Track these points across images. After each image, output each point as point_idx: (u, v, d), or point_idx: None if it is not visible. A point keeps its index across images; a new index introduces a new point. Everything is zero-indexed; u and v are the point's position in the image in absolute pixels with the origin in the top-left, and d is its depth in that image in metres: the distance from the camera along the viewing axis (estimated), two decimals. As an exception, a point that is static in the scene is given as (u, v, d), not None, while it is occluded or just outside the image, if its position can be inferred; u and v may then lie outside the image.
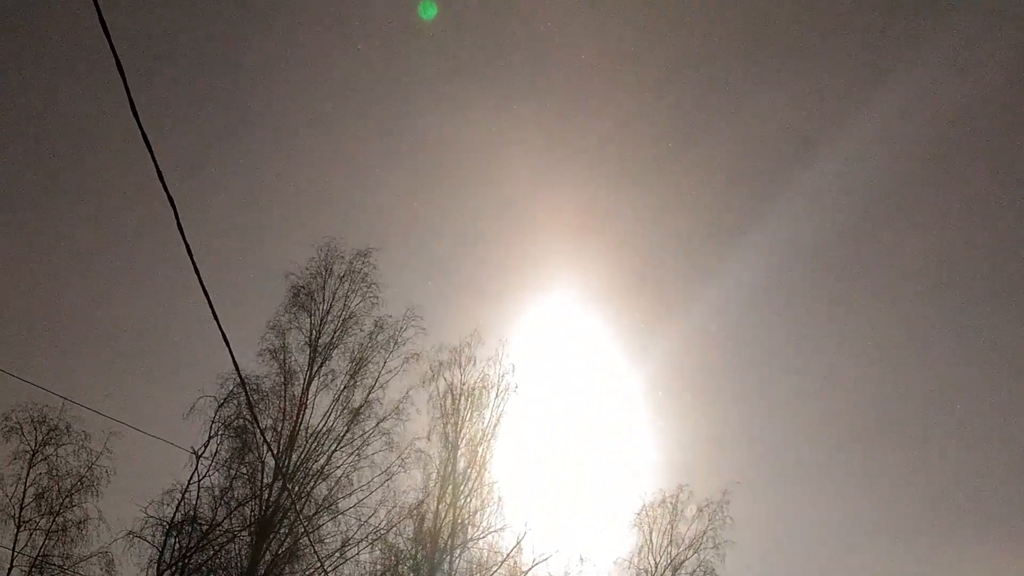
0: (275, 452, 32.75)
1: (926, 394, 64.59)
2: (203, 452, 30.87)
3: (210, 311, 12.16)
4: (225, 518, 31.50)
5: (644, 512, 39.73)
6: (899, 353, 65.84)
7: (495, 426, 36.93)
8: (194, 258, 11.13)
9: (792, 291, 65.62)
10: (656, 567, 38.65)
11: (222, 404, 31.61)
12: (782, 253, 58.79)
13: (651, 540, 39.17)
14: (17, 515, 30.27)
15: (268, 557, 31.86)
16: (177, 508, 30.57)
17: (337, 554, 33.10)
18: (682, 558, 38.84)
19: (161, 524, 30.53)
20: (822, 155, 55.61)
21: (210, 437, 31.18)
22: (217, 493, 31.69)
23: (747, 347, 65.42)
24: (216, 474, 31.82)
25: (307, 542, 32.26)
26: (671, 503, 39.74)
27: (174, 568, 30.26)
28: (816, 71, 59.30)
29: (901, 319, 65.39)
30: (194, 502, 30.97)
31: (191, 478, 30.80)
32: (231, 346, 13.05)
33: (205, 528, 31.12)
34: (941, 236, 63.07)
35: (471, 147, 56.56)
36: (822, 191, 56.67)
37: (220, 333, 12.70)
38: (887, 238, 64.77)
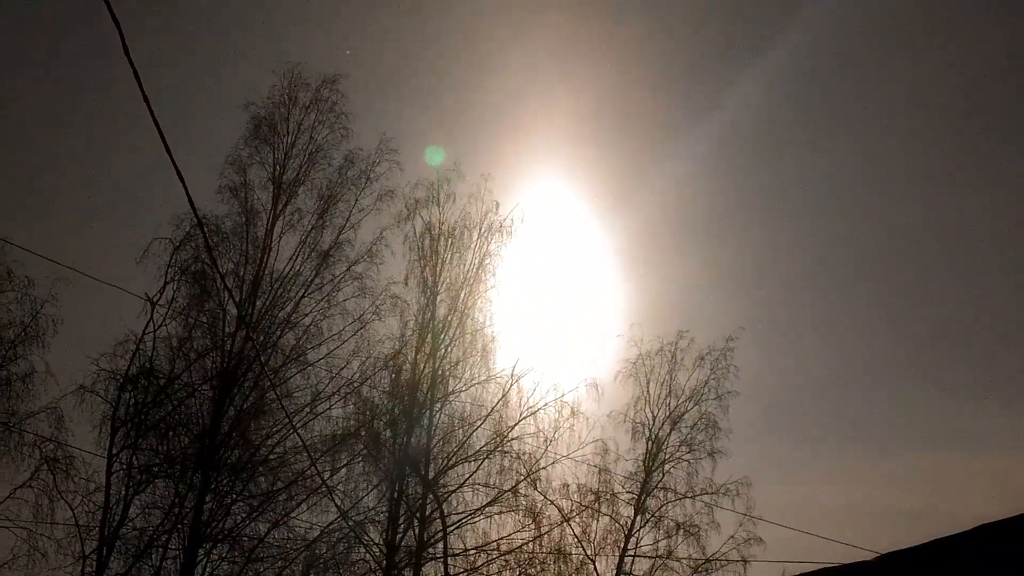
0: (237, 299, 30.22)
1: (937, 226, 62.56)
2: (158, 299, 28.25)
3: (161, 142, 10.80)
4: (184, 371, 29.13)
5: (641, 361, 37.17)
6: (905, 181, 63.58)
7: (478, 269, 34.15)
8: (142, 84, 9.97)
9: (791, 123, 63.26)
10: (654, 420, 36.45)
11: (178, 247, 29.01)
12: (780, 85, 56.03)
13: (648, 391, 36.79)
14: (-44, 369, 27.67)
15: (232, 413, 29.63)
16: (131, 360, 28.12)
17: (307, 409, 30.96)
18: (682, 410, 36.56)
19: (114, 377, 28.13)
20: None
21: (166, 283, 28.60)
22: (175, 344, 29.22)
23: (748, 185, 63.46)
24: (173, 323, 29.42)
25: (274, 396, 29.87)
26: (670, 351, 37.20)
27: (129, 425, 27.97)
28: None
29: (903, 144, 62.99)
30: (150, 353, 28.51)
31: (146, 327, 28.29)
32: (186, 182, 11.73)
33: (162, 382, 28.69)
34: (940, 56, 60.25)
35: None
36: (826, 17, 53.45)
37: (173, 167, 11.28)
38: (884, 62, 62.08)
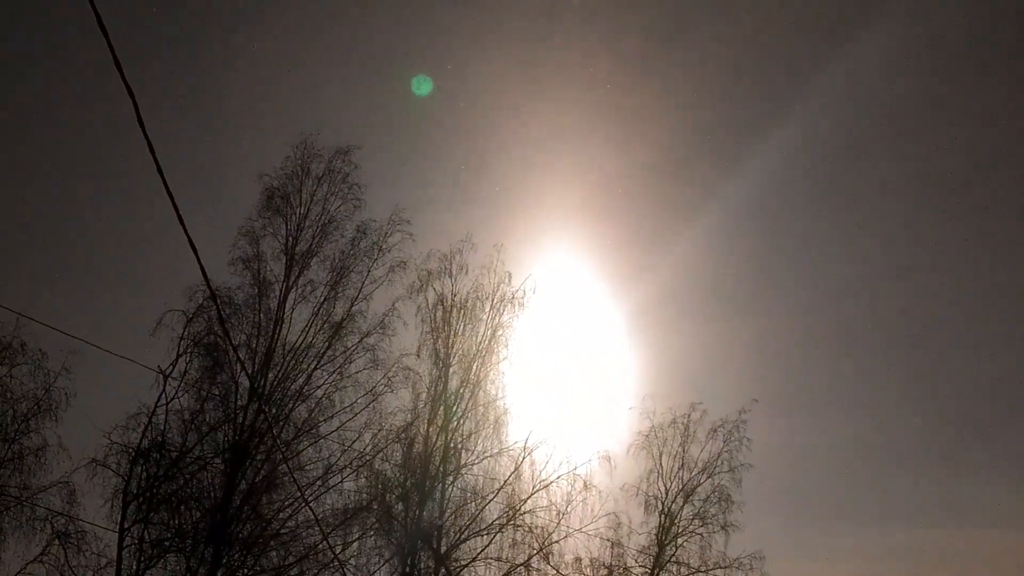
0: (250, 371, 29.99)
1: (958, 307, 62.58)
2: (171, 372, 28.16)
3: (175, 213, 10.36)
4: (196, 444, 28.84)
5: (653, 434, 36.89)
6: (931, 261, 63.58)
7: (490, 340, 33.94)
8: (156, 155, 9.57)
9: (804, 198, 63.24)
10: (667, 493, 36.14)
11: (191, 319, 28.92)
12: (792, 160, 56.09)
13: (661, 464, 36.48)
14: (-32, 442, 27.45)
15: (244, 486, 29.24)
16: (143, 433, 27.92)
17: (319, 482, 30.50)
18: (695, 483, 36.25)
19: (126, 451, 27.91)
20: (848, 51, 52.61)
21: (178, 355, 28.45)
22: (187, 417, 28.96)
23: (763, 255, 63.19)
24: (186, 396, 29.16)
25: (286, 469, 29.55)
26: (682, 423, 36.91)
27: (141, 498, 27.59)
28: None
29: (925, 225, 63.09)
30: (162, 427, 28.26)
31: (158, 400, 28.18)
32: (199, 253, 11.25)
33: (175, 455, 28.35)
34: (949, 134, 60.49)
35: (459, 38, 53.48)
36: (847, 88, 53.66)
37: (187, 238, 10.83)
38: (897, 138, 62.34)
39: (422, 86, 32.23)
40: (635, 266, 50.51)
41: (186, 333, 28.66)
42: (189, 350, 28.73)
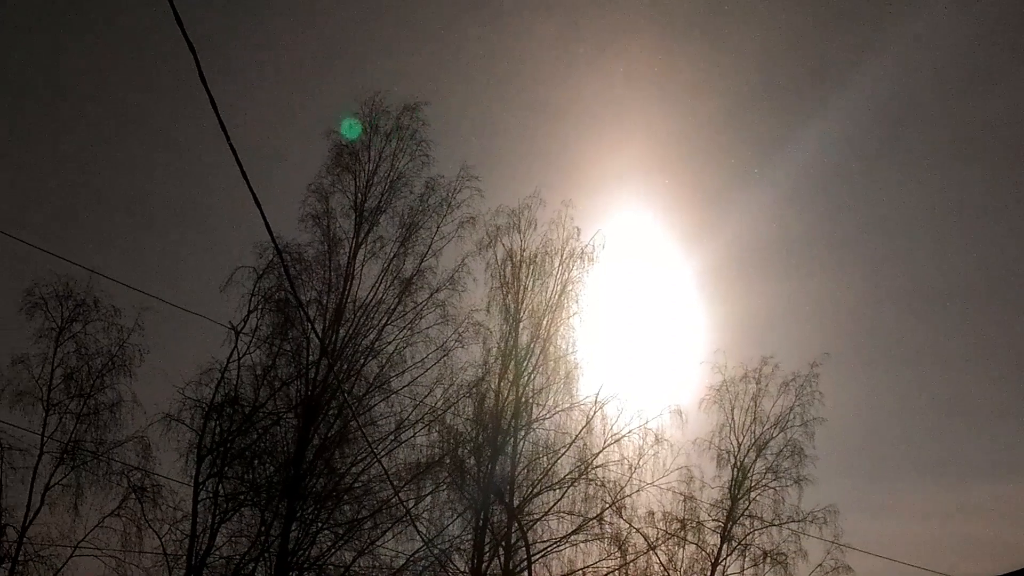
0: (320, 327, 30.18)
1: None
2: (242, 328, 28.27)
3: (240, 172, 10.91)
4: (269, 399, 28.96)
5: (725, 388, 36.91)
6: (1009, 211, 62.03)
7: (560, 295, 33.92)
8: (218, 109, 10.06)
9: (878, 152, 61.91)
10: (739, 447, 36.03)
11: (261, 275, 28.89)
12: (869, 113, 54.89)
13: (733, 418, 36.48)
14: (46, 398, 27.99)
15: (316, 441, 29.41)
16: (216, 389, 28.11)
17: (391, 437, 30.64)
18: (767, 437, 36.16)
19: (200, 406, 28.14)
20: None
21: (249, 312, 28.59)
22: (259, 372, 29.12)
23: (834, 212, 62.04)
24: (257, 352, 29.24)
25: (357, 425, 29.72)
26: (754, 377, 36.84)
27: (215, 453, 27.92)
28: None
29: (991, 174, 61.53)
30: (234, 382, 28.47)
31: (230, 356, 28.30)
32: (263, 209, 11.72)
33: (247, 410, 28.60)
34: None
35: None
36: (922, 40, 52.30)
37: (252, 196, 11.34)
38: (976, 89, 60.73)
39: (352, 129, 32.09)
40: (704, 223, 49.90)
41: (257, 289, 28.76)
42: (260, 306, 28.86)
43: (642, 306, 36.96)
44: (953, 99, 60.83)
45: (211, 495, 27.70)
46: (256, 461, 28.91)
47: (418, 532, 29.96)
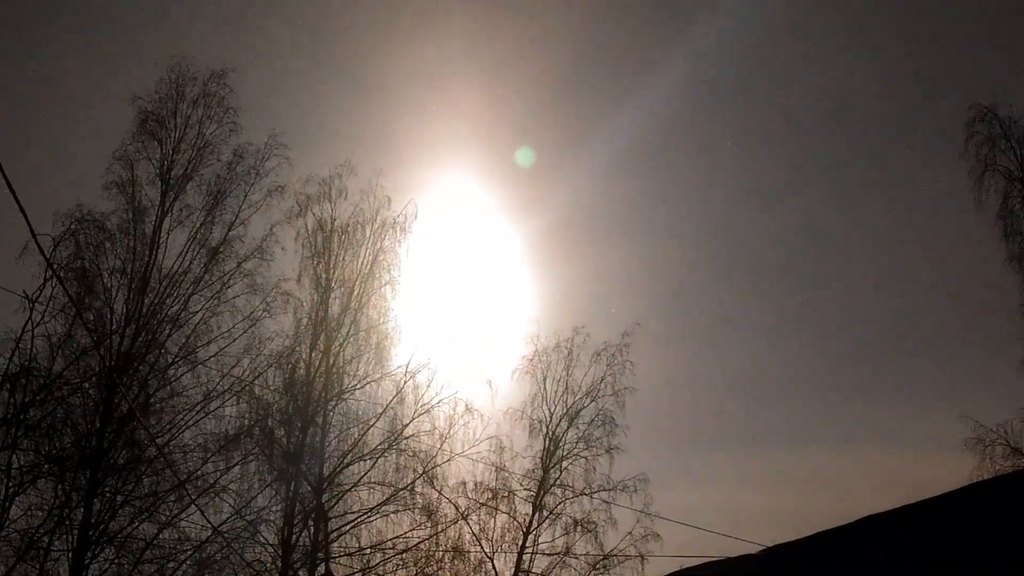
0: (125, 296, 29.46)
1: (836, 234, 63.69)
2: (38, 297, 27.22)
3: None
4: (66, 368, 28.06)
5: (537, 358, 37.36)
6: (809, 190, 64.58)
7: (372, 265, 33.85)
8: None
9: (693, 128, 63.49)
10: (551, 417, 36.49)
11: (58, 244, 28.00)
12: (685, 89, 56.24)
13: (545, 388, 36.90)
14: None
15: (123, 410, 28.67)
16: (10, 359, 27.06)
17: (198, 407, 30.10)
18: (579, 406, 36.69)
19: (-7, 377, 27.02)
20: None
21: (45, 280, 27.45)
22: (54, 341, 28.18)
23: (650, 187, 63.48)
24: (54, 321, 28.21)
25: (163, 395, 29.21)
26: (566, 347, 37.33)
27: (11, 425, 26.95)
28: None
29: (800, 154, 63.94)
30: (29, 351, 27.47)
31: (25, 326, 27.23)
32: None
33: (44, 380, 27.69)
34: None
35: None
36: (736, 22, 53.82)
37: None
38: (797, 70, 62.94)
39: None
40: (528, 197, 50.41)
41: (53, 258, 27.84)
42: (57, 274, 27.95)
43: (461, 277, 37.27)
44: (767, 77, 62.77)
45: (3, 468, 26.77)
46: (53, 432, 28.05)
47: (228, 503, 29.72)
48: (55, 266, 27.73)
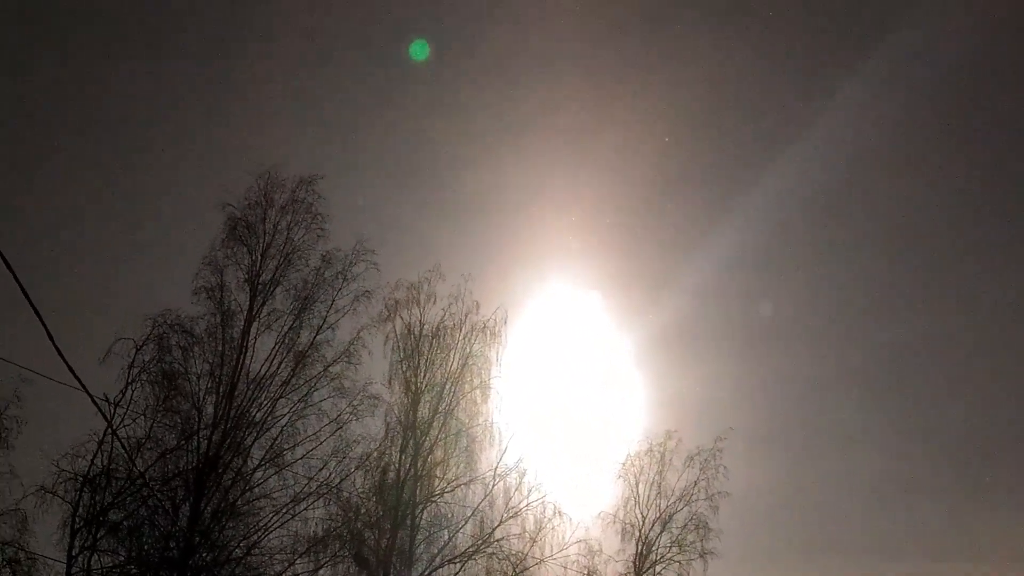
0: (213, 399, 30.16)
1: (937, 344, 62.15)
2: (119, 399, 28.07)
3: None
4: (147, 470, 28.71)
5: (630, 462, 37.03)
6: (910, 300, 63.36)
7: (462, 369, 33.97)
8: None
9: (789, 245, 63.12)
10: (643, 520, 35.88)
11: (140, 347, 28.73)
12: (781, 207, 55.89)
13: (638, 491, 36.47)
14: (-80, 472, 27.74)
15: (208, 513, 29.19)
16: (92, 461, 27.87)
17: (285, 511, 30.38)
18: (672, 510, 36.19)
19: (75, 478, 27.81)
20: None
21: (127, 383, 28.38)
22: (132, 444, 28.88)
23: (742, 300, 62.87)
24: (135, 424, 28.97)
25: (249, 497, 29.63)
26: (659, 451, 37.02)
27: (92, 525, 27.66)
28: None
29: (897, 269, 62.88)
30: (110, 454, 28.24)
31: (107, 429, 28.06)
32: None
33: (123, 482, 28.38)
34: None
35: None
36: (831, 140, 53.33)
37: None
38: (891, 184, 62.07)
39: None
40: (640, 299, 50.17)
41: (135, 361, 28.71)
42: (139, 377, 28.80)
43: (559, 379, 37.09)
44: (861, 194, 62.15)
45: (83, 570, 27.41)
46: (134, 534, 28.64)
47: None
48: (135, 369, 28.61)
